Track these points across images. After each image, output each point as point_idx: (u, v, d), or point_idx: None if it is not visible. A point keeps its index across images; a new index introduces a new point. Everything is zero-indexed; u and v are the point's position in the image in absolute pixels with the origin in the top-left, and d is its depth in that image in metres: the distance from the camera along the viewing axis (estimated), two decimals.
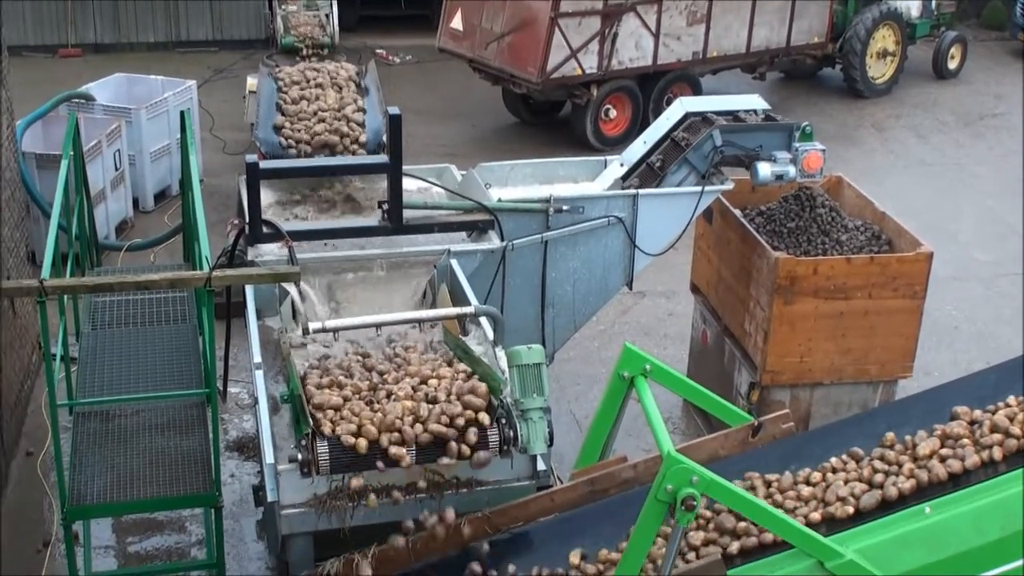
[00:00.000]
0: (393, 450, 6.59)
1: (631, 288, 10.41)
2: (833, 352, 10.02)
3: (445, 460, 6.68)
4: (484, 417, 6.74)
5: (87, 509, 7.57)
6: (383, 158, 9.30)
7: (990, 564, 6.19)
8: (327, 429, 6.61)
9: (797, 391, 10.16)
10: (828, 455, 6.83)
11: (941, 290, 13.35)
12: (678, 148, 10.05)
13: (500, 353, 7.42)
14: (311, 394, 6.92)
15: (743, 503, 6.10)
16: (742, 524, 6.39)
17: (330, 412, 6.75)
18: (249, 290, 8.42)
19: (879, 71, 21.60)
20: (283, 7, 14.90)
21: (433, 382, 7.07)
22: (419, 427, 6.66)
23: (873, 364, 10.14)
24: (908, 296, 9.93)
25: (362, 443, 6.57)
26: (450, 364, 7.36)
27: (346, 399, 6.87)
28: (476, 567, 6.65)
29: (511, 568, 6.66)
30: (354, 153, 9.80)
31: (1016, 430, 6.51)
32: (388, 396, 6.91)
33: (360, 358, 7.50)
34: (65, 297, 9.06)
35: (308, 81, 10.53)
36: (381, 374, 7.24)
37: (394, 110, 8.99)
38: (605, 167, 10.54)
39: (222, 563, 7.74)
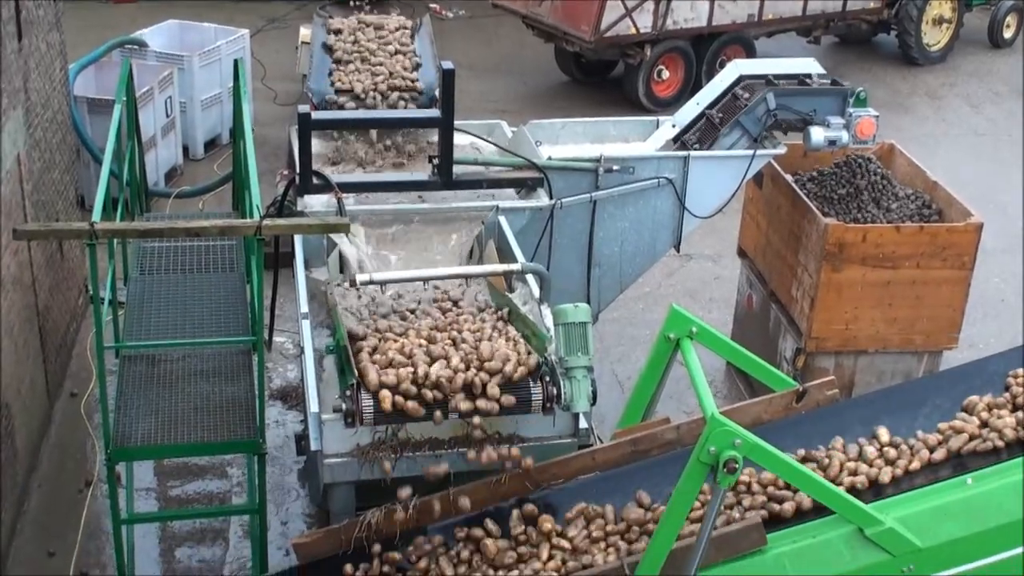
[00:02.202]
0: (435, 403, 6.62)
1: (678, 250, 10.38)
2: (879, 320, 9.97)
3: (477, 419, 6.71)
4: (523, 370, 6.75)
5: (131, 451, 7.64)
6: (435, 112, 9.29)
7: None
8: (372, 380, 6.63)
9: (841, 358, 10.12)
10: (871, 423, 6.81)
11: (989, 262, 13.24)
12: (731, 110, 9.99)
13: (546, 311, 7.42)
14: (357, 345, 6.95)
15: (785, 467, 6.09)
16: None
17: (375, 363, 6.77)
18: (298, 240, 8.45)
19: (934, 38, 21.36)
20: None
21: (478, 337, 7.08)
22: (461, 380, 6.68)
23: (919, 334, 10.08)
24: (956, 267, 9.86)
25: (406, 392, 6.60)
26: (495, 320, 7.37)
27: (392, 350, 6.89)
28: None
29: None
30: (406, 107, 9.79)
31: None
32: (432, 349, 6.93)
33: (407, 311, 7.51)
34: (114, 242, 9.11)
35: (362, 33, 10.51)
36: (428, 328, 7.25)
37: (448, 64, 8.97)
38: (657, 127, 10.50)
39: (263, 509, 7.79)
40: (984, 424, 6.62)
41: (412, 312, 7.51)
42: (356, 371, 6.69)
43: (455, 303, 7.61)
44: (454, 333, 7.10)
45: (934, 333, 10.10)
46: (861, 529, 6.10)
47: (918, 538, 6.09)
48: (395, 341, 7.01)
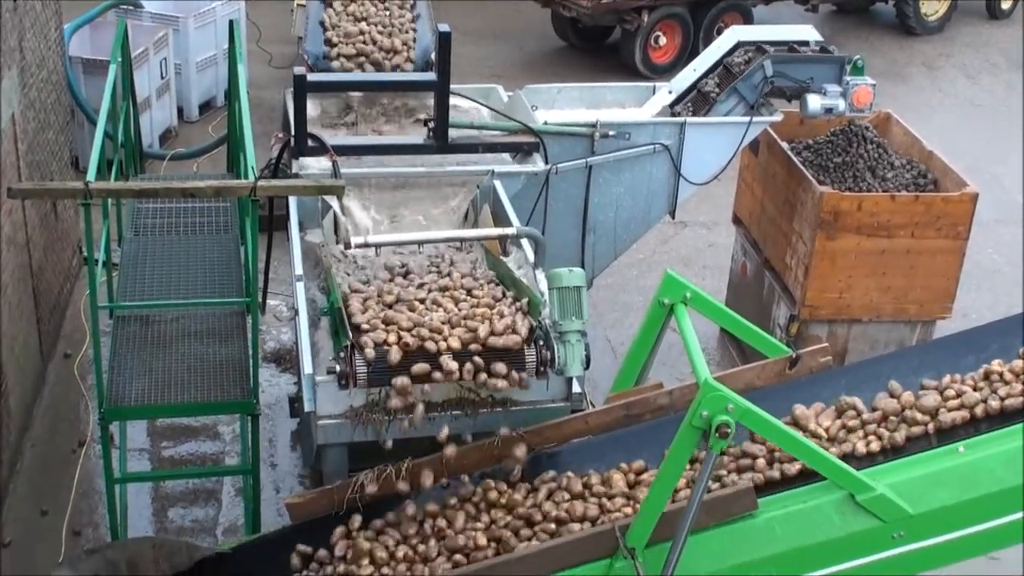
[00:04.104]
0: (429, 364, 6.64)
1: (673, 217, 10.38)
2: (873, 289, 9.98)
3: (483, 378, 6.72)
4: (518, 338, 6.76)
5: (124, 410, 7.65)
6: (431, 76, 9.25)
7: None
8: (366, 342, 6.64)
9: (835, 327, 10.13)
10: (865, 390, 6.83)
11: (984, 232, 13.24)
12: (728, 77, 9.98)
13: (540, 275, 7.43)
14: (351, 308, 6.95)
15: (777, 433, 6.10)
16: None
17: (369, 326, 6.78)
18: (292, 202, 8.44)
19: (932, 8, 21.31)
20: None
21: (472, 300, 7.09)
22: (456, 341, 6.70)
23: (912, 303, 10.10)
24: (951, 236, 9.86)
25: (395, 353, 6.61)
26: (490, 283, 7.38)
27: (386, 312, 6.90)
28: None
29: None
30: (402, 70, 9.75)
31: None
32: (426, 310, 6.94)
33: (401, 274, 7.52)
34: (108, 202, 9.09)
35: None
36: (420, 288, 7.27)
37: (444, 28, 8.94)
38: (653, 94, 10.48)
39: (257, 469, 7.80)
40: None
41: (407, 275, 7.52)
42: (350, 333, 6.70)
43: (450, 266, 7.62)
44: (448, 296, 7.11)
45: (928, 303, 10.12)
46: (852, 495, 6.12)
47: (909, 505, 6.10)
48: (390, 302, 7.02)
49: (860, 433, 6.54)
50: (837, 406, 6.75)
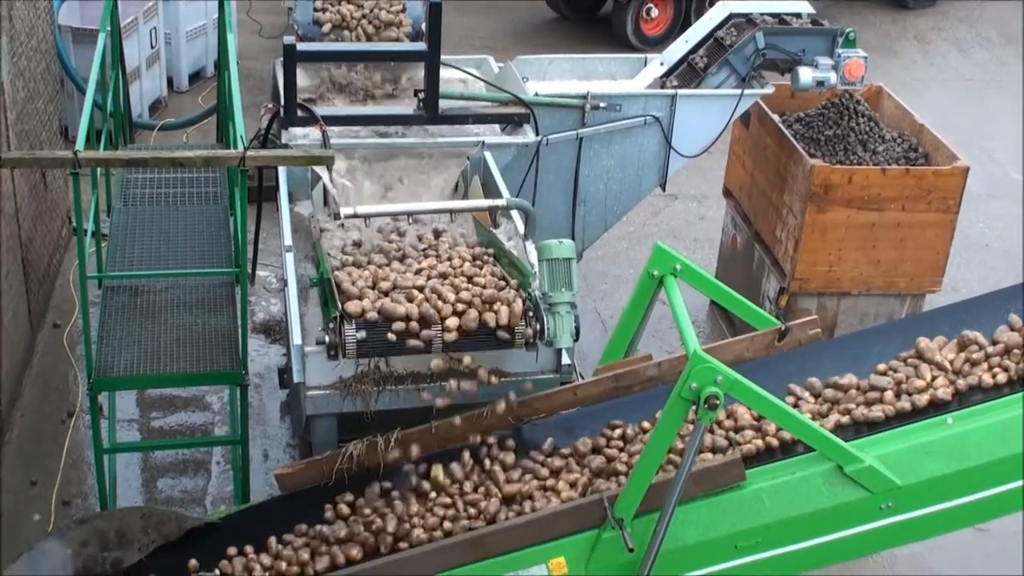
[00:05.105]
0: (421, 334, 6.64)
1: (664, 190, 10.36)
2: (863, 263, 9.98)
3: (467, 359, 6.74)
4: (506, 310, 6.76)
5: (113, 381, 7.63)
6: (421, 46, 9.23)
7: (1014, 477, 6.21)
8: (354, 311, 6.64)
9: (824, 300, 10.14)
10: (854, 362, 6.84)
11: (974, 207, 13.27)
12: (720, 49, 9.96)
13: (530, 247, 7.42)
14: (340, 278, 6.95)
15: (765, 404, 6.11)
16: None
17: (358, 296, 6.78)
18: (282, 173, 8.42)
19: None
20: None
21: (461, 271, 7.09)
22: (447, 308, 6.71)
23: (902, 277, 10.10)
24: (941, 210, 9.86)
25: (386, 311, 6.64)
26: (479, 255, 7.37)
27: (375, 281, 6.90)
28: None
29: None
30: (394, 40, 9.72)
31: None
32: (415, 280, 6.95)
33: (391, 245, 7.51)
34: (97, 172, 9.07)
35: None
36: (404, 259, 7.27)
37: None
38: (645, 65, 10.45)
39: (246, 440, 7.80)
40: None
41: (397, 247, 7.51)
42: (339, 304, 6.69)
43: (439, 237, 7.61)
44: (438, 266, 7.11)
45: (918, 276, 10.12)
46: (840, 466, 6.14)
47: (897, 476, 6.12)
48: (379, 272, 7.03)
49: (984, 366, 6.55)
50: (959, 340, 6.76)
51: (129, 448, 9.36)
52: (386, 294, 6.81)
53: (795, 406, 6.60)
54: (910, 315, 10.15)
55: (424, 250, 7.41)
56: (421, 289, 6.85)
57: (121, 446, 9.07)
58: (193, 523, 6.73)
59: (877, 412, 6.40)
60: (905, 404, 6.42)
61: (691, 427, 6.10)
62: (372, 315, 6.67)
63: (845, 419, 6.47)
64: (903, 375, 6.59)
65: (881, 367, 6.72)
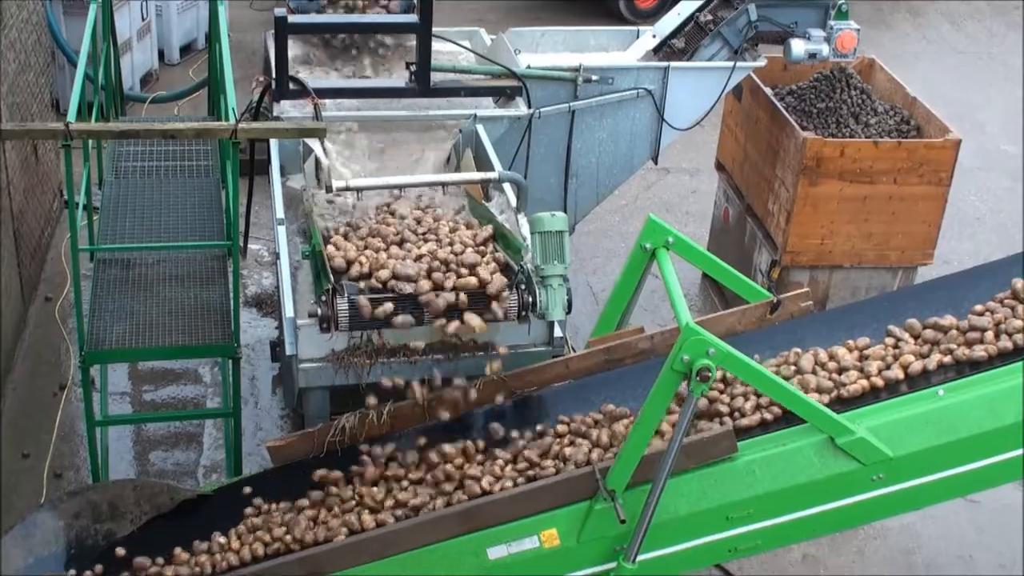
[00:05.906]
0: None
1: (656, 163, 10.35)
2: (855, 236, 9.98)
3: (453, 327, 6.71)
4: (497, 280, 6.75)
5: (105, 354, 7.63)
6: (413, 18, 9.20)
7: (1004, 448, 6.23)
8: (347, 286, 6.64)
9: (816, 273, 10.14)
10: (846, 334, 6.85)
11: (966, 180, 13.26)
12: (712, 21, 9.93)
13: (522, 220, 7.41)
14: (331, 252, 6.94)
15: (757, 376, 6.13)
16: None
17: (350, 268, 6.78)
18: (274, 146, 8.40)
19: None
20: None
21: (453, 241, 7.08)
22: (438, 277, 6.71)
23: (894, 250, 10.11)
24: (933, 183, 9.86)
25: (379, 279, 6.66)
26: (471, 227, 7.36)
27: (367, 254, 6.89)
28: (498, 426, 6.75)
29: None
30: (385, 11, 9.69)
31: None
32: (405, 253, 6.94)
33: (389, 229, 7.49)
34: (89, 145, 9.04)
35: None
36: (403, 243, 7.25)
37: None
38: (637, 38, 10.43)
39: (238, 412, 7.80)
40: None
41: (388, 220, 7.49)
42: (331, 277, 6.69)
43: (431, 210, 7.60)
44: (439, 252, 7.06)
45: (909, 249, 10.13)
46: (832, 438, 6.16)
47: (888, 447, 6.15)
48: (371, 244, 7.02)
49: None
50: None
51: (121, 421, 9.37)
52: (384, 284, 6.74)
53: (895, 347, 6.64)
54: (902, 287, 10.16)
55: (424, 234, 7.26)
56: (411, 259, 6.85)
57: (113, 419, 9.07)
58: (185, 495, 6.76)
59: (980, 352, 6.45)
60: (1006, 343, 6.47)
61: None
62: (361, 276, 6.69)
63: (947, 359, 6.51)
64: (1001, 315, 6.65)
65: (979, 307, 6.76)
